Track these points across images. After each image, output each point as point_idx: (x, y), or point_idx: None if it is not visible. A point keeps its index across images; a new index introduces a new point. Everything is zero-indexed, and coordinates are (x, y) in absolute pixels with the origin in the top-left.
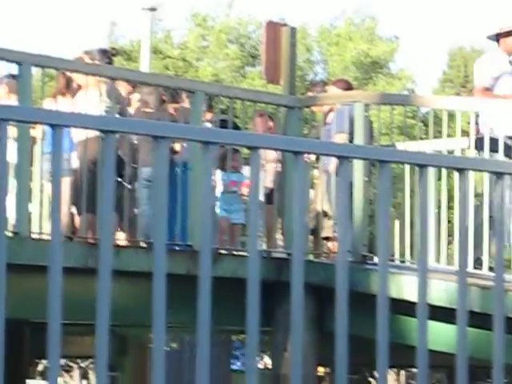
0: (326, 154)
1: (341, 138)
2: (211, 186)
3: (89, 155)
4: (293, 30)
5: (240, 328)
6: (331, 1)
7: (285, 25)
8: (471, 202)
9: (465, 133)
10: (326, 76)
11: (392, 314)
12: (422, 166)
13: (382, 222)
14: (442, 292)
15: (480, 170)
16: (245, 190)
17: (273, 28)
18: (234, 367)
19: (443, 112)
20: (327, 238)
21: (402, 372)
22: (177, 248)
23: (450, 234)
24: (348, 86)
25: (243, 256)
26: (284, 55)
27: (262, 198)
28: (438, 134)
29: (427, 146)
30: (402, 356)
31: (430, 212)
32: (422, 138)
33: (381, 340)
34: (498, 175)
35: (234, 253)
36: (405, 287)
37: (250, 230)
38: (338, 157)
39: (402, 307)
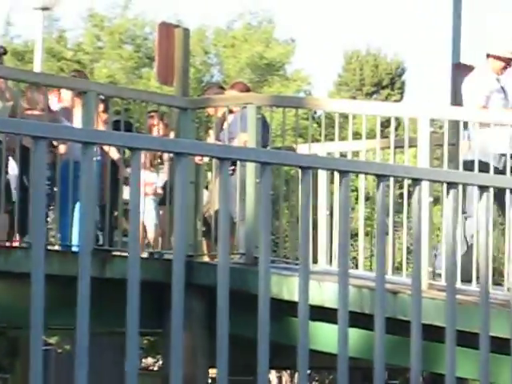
0: (207, 155)
1: (245, 137)
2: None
3: None
4: (186, 32)
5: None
6: (229, 4)
7: (178, 26)
8: (362, 204)
9: (358, 135)
10: (221, 78)
11: (283, 316)
12: (305, 168)
13: (264, 222)
14: (332, 294)
15: (366, 173)
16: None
17: (166, 29)
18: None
19: (336, 115)
20: None
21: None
22: (74, 249)
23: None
24: (246, 89)
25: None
26: (177, 56)
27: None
28: (333, 136)
29: (319, 148)
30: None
31: (319, 214)
32: (317, 140)
33: (261, 340)
34: (381, 177)
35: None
36: (296, 289)
37: (130, 231)
38: (218, 158)
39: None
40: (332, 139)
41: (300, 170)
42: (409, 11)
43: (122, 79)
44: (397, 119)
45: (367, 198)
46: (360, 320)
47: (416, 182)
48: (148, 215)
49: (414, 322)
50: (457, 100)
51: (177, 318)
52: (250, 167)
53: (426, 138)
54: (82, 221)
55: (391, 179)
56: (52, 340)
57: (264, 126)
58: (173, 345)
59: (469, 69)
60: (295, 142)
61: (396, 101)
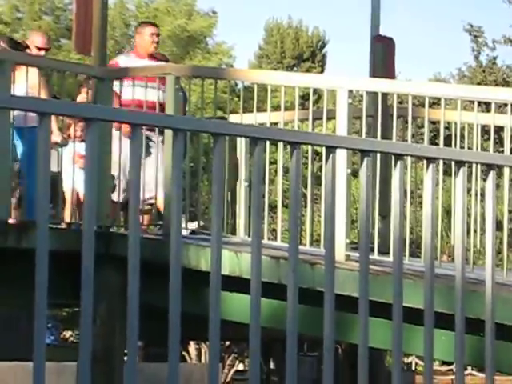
0: (119, 121)
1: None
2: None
3: None
4: (104, 1)
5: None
6: None
7: None
8: (280, 175)
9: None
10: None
11: (201, 287)
12: (217, 135)
13: (175, 191)
14: (249, 265)
15: (278, 140)
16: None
17: None
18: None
19: (255, 86)
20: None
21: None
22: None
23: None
24: (165, 60)
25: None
26: (95, 26)
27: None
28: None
29: (238, 120)
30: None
31: (239, 185)
32: (237, 112)
33: (172, 310)
34: (294, 145)
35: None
36: (224, 262)
37: (38, 200)
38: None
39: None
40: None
41: (212, 137)
42: None
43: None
44: (317, 92)
45: (287, 171)
46: (277, 291)
47: (330, 149)
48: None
49: (326, 291)
50: (376, 72)
51: (86, 288)
52: (168, 137)
53: (344, 109)
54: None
55: (309, 148)
56: None
57: (183, 97)
58: (82, 316)
59: (388, 41)
60: (214, 114)
61: (317, 74)
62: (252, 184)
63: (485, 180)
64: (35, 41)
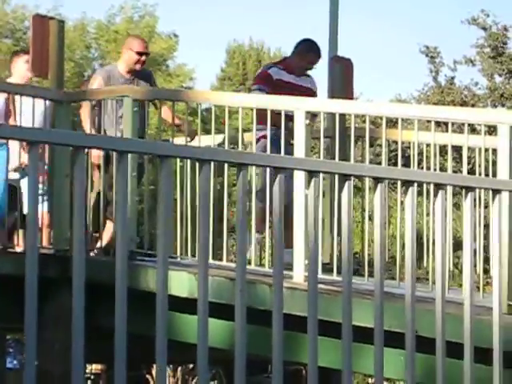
0: (63, 144)
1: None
2: None
3: None
4: (60, 24)
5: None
6: None
7: (52, 18)
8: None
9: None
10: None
11: (172, 312)
12: (163, 157)
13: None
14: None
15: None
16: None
17: (40, 21)
18: (9, 365)
19: (213, 108)
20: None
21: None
22: None
23: None
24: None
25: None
26: (51, 48)
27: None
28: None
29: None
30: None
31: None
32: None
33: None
34: (242, 166)
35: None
36: (184, 284)
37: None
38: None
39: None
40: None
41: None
42: (288, 3)
43: (2, 74)
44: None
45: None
46: (223, 311)
47: (278, 170)
48: None
49: (274, 311)
50: (334, 93)
51: (30, 312)
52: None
53: (302, 130)
54: None
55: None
56: None
57: (142, 119)
58: (27, 340)
59: (347, 61)
60: (173, 137)
61: None
62: (199, 206)
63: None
64: (134, 46)
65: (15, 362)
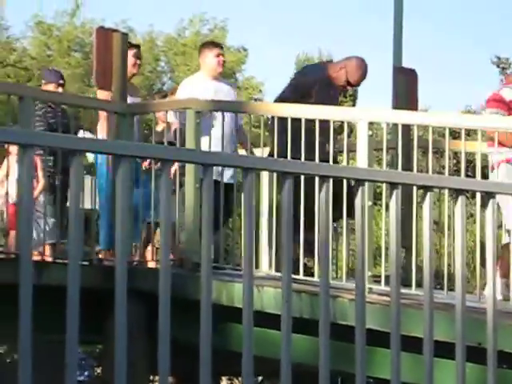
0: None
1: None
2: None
3: None
4: (124, 36)
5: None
6: (180, 11)
7: (116, 31)
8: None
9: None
10: (173, 86)
11: (224, 322)
12: (246, 169)
13: (206, 226)
14: (271, 299)
15: (307, 174)
16: None
17: (103, 34)
18: (79, 378)
19: (288, 119)
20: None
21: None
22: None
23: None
24: (164, 96)
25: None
26: (115, 61)
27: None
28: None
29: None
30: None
31: (262, 218)
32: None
33: (203, 345)
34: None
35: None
36: (236, 295)
37: (70, 235)
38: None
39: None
40: None
41: (242, 171)
42: (355, 15)
43: (72, 87)
44: (350, 125)
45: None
46: (300, 325)
47: (359, 182)
48: None
49: (357, 326)
50: (398, 104)
51: (120, 325)
52: (190, 171)
53: (364, 141)
54: (21, 225)
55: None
56: (0, 349)
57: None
58: (116, 353)
59: (411, 73)
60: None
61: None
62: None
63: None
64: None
65: (86, 373)
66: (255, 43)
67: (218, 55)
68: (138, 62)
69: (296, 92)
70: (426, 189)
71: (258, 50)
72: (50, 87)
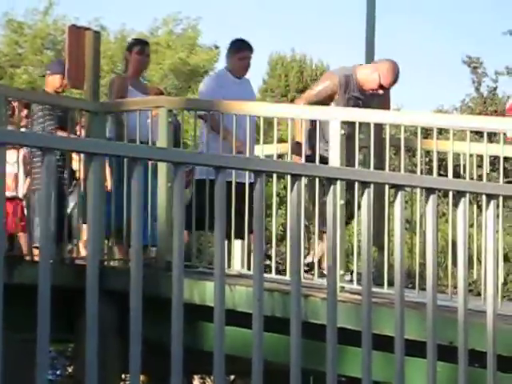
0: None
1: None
2: None
3: None
4: (96, 34)
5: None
6: (153, 10)
7: (88, 29)
8: (274, 207)
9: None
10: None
11: (196, 321)
12: (218, 168)
13: (177, 225)
14: (244, 298)
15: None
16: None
17: (76, 32)
18: (50, 377)
19: (261, 119)
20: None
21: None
22: None
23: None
24: (159, 93)
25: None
26: (87, 59)
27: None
28: (257, 142)
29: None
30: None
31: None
32: None
33: (174, 344)
34: (296, 177)
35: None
36: (208, 293)
37: (41, 232)
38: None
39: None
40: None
41: (215, 170)
42: (328, 13)
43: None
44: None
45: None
46: (271, 323)
47: (331, 181)
48: None
49: (329, 325)
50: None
51: (91, 323)
52: (162, 170)
53: (337, 140)
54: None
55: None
56: None
57: (176, 128)
58: (87, 350)
59: None
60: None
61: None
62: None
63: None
64: None
65: (58, 372)
66: (225, 40)
67: (243, 58)
68: (147, 59)
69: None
70: (398, 188)
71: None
72: (57, 78)
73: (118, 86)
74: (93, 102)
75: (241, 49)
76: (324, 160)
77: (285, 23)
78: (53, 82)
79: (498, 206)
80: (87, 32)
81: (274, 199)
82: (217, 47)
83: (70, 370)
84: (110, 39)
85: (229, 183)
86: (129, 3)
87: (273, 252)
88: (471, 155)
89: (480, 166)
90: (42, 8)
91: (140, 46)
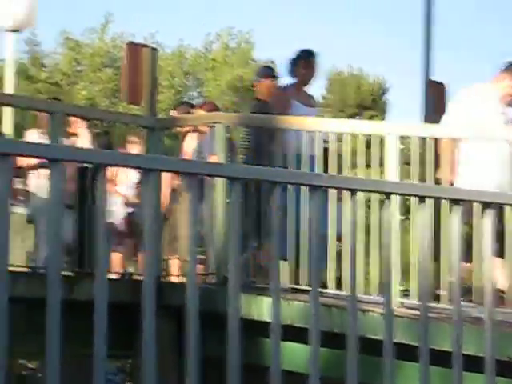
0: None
1: (215, 159)
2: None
3: None
4: (153, 51)
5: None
6: (206, 24)
7: (145, 46)
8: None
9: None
10: (202, 101)
11: (252, 336)
12: (274, 183)
13: (233, 242)
14: (297, 312)
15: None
16: None
17: (134, 49)
18: None
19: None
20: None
21: None
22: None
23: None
24: (215, 109)
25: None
26: (145, 76)
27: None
28: None
29: None
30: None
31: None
32: None
33: (231, 359)
34: (353, 192)
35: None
36: (265, 308)
37: (97, 249)
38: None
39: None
40: None
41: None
42: (386, 30)
43: (103, 102)
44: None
45: None
46: (329, 339)
47: (386, 196)
48: None
49: (386, 340)
50: (427, 117)
51: (149, 339)
52: (220, 185)
53: (394, 154)
54: (50, 241)
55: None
56: (32, 365)
57: (231, 146)
58: (145, 366)
59: (439, 86)
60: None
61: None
62: (311, 231)
63: None
64: None
65: None
66: (282, 55)
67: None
68: (313, 70)
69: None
70: (456, 202)
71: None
72: (267, 82)
73: (278, 100)
74: (150, 118)
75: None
76: None
77: (342, 39)
78: (264, 88)
79: None
80: (144, 49)
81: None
82: (272, 62)
83: None
84: (168, 55)
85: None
86: (182, 18)
87: (331, 267)
88: None
89: None
90: (99, 26)
91: (305, 58)
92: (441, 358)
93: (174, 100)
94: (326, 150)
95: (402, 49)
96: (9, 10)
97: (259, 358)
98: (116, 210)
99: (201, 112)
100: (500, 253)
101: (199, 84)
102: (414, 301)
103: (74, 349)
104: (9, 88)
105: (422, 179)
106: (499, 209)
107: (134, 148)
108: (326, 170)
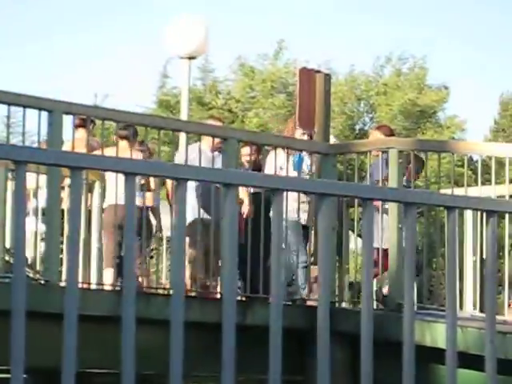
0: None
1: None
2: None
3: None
4: (326, 77)
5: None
6: (376, 49)
7: (318, 71)
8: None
9: None
10: (374, 126)
11: (427, 363)
12: (450, 208)
13: (407, 269)
14: (477, 340)
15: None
16: None
17: (307, 74)
18: None
19: (492, 159)
20: None
21: None
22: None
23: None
24: (390, 133)
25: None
26: (318, 102)
27: None
28: (487, 183)
29: (475, 193)
30: None
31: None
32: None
33: None
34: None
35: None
36: (439, 335)
37: (273, 276)
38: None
39: (438, 356)
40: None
41: (446, 210)
42: None
43: (275, 127)
44: None
45: None
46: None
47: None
48: None
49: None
50: None
51: (323, 366)
52: (393, 211)
53: None
54: (226, 266)
55: None
56: None
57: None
58: None
59: None
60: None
61: None
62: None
63: None
64: None
65: None
66: (455, 81)
67: None
68: None
69: None
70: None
71: (460, 88)
72: None
73: None
74: (323, 143)
75: None
76: None
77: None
78: None
79: None
80: (318, 74)
81: (507, 240)
82: (446, 88)
83: None
84: (341, 81)
85: None
86: (354, 44)
87: (505, 293)
88: None
89: None
90: (272, 52)
91: None
92: None
93: (345, 126)
94: None
95: None
96: (183, 38)
97: None
98: None
99: (377, 134)
100: None
101: (371, 109)
102: None
103: (247, 374)
104: (184, 115)
105: None
106: None
107: None
108: None
